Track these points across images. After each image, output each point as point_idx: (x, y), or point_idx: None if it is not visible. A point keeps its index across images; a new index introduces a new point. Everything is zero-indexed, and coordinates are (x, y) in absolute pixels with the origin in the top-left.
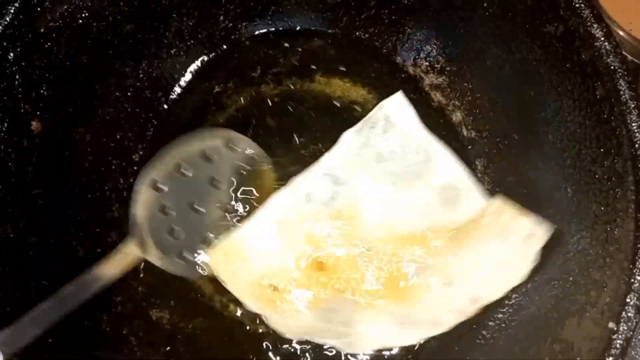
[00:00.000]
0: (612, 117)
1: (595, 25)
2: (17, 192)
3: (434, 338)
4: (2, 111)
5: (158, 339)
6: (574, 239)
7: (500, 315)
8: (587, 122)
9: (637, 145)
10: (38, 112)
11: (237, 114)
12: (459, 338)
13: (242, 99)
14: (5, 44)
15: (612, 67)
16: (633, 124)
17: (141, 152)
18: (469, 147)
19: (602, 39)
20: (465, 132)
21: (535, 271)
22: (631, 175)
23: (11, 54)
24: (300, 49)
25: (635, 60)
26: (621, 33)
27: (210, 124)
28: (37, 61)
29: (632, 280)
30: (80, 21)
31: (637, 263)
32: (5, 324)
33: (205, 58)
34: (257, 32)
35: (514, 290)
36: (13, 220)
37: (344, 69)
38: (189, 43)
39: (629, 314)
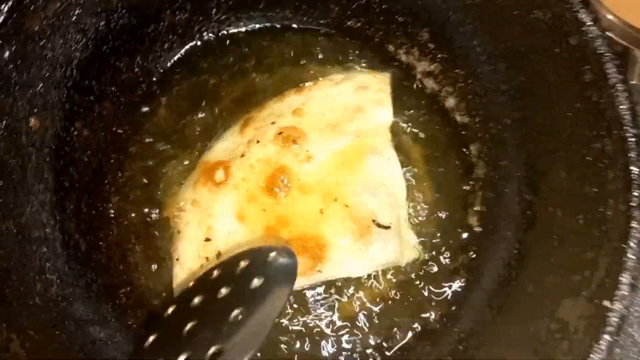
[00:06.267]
0: (601, 100)
1: (582, 10)
2: (17, 189)
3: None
4: (0, 109)
5: None
6: (569, 220)
7: (497, 296)
8: (577, 105)
9: (625, 128)
10: (35, 110)
11: (232, 104)
12: (458, 318)
13: (237, 89)
14: None
15: (600, 52)
16: (621, 107)
17: (138, 145)
18: (463, 132)
19: (590, 23)
20: (458, 118)
21: (531, 253)
22: (620, 156)
23: (7, 53)
24: (292, 40)
25: (624, 44)
26: (609, 17)
27: (207, 114)
28: (32, 59)
29: (625, 259)
30: (74, 18)
31: (630, 242)
32: None
33: (199, 52)
34: (249, 27)
35: (512, 270)
36: (15, 217)
37: (336, 57)
38: (182, 37)
39: (623, 292)
